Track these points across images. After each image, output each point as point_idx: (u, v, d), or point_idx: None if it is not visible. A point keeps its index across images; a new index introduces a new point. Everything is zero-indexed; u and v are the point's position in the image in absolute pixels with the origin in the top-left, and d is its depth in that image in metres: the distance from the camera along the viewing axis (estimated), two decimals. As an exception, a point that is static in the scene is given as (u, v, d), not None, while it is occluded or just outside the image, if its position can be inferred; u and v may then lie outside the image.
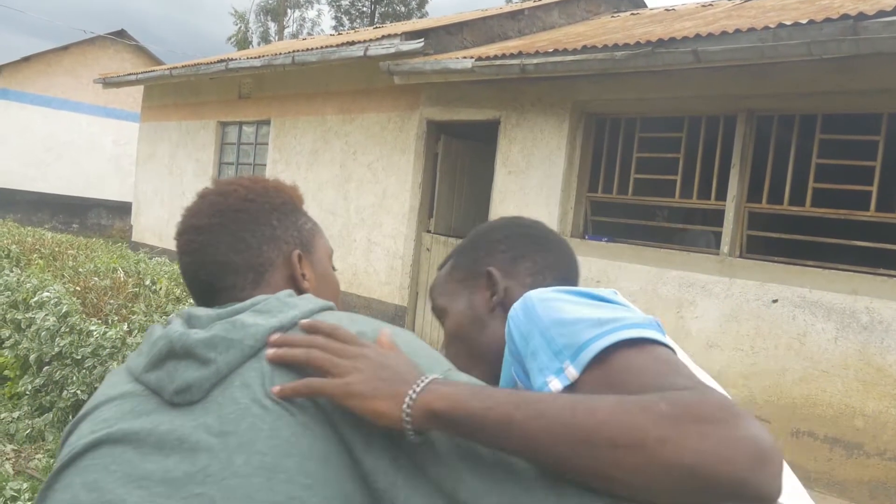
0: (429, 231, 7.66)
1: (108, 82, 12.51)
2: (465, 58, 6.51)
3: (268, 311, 0.89)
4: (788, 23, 4.56)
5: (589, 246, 6.16)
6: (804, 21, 4.48)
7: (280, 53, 8.80)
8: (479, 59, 6.33)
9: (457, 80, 6.76)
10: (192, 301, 4.57)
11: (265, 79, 9.64)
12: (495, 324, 1.13)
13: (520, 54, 6.07)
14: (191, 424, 0.80)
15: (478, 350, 1.14)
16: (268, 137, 9.73)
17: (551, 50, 5.86)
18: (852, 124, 5.09)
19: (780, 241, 5.34)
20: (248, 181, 1.08)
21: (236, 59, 9.43)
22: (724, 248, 5.39)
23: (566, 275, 1.21)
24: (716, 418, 0.69)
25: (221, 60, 9.68)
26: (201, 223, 1.02)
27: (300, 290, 1.02)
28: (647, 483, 0.69)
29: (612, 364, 0.82)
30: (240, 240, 1.01)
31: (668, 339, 0.89)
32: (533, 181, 6.57)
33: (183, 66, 10.69)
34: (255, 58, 9.06)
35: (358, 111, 8.38)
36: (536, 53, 5.93)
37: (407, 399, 0.76)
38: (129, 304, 4.20)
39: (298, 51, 8.55)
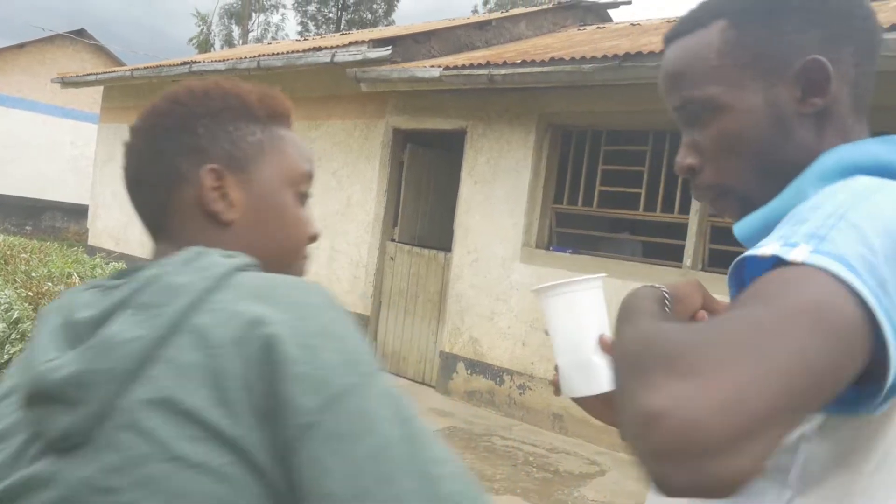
0: (393, 240, 7.61)
1: (67, 82, 12.24)
2: (432, 66, 6.49)
3: (147, 308, 0.69)
4: (753, 41, 4.63)
5: (553, 258, 6.18)
6: (768, 39, 4.55)
7: (245, 57, 8.70)
8: (447, 68, 6.32)
9: (424, 88, 6.74)
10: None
11: (229, 82, 9.51)
12: (805, 133, 0.80)
13: (488, 64, 6.07)
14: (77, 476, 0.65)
15: (771, 166, 0.81)
16: (231, 142, 9.59)
17: (519, 61, 5.88)
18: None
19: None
20: (202, 82, 0.92)
21: (200, 62, 9.30)
22: (687, 261, 5.44)
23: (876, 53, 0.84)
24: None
25: (185, 63, 9.54)
26: (134, 126, 0.89)
27: (220, 222, 0.84)
28: None
29: (774, 278, 0.61)
30: (153, 149, 0.86)
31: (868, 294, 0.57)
32: (499, 191, 6.57)
33: (145, 68, 10.51)
34: (220, 61, 8.94)
35: (323, 118, 8.31)
36: (504, 64, 5.94)
37: None
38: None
39: (264, 55, 8.46)
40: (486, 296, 6.59)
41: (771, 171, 0.81)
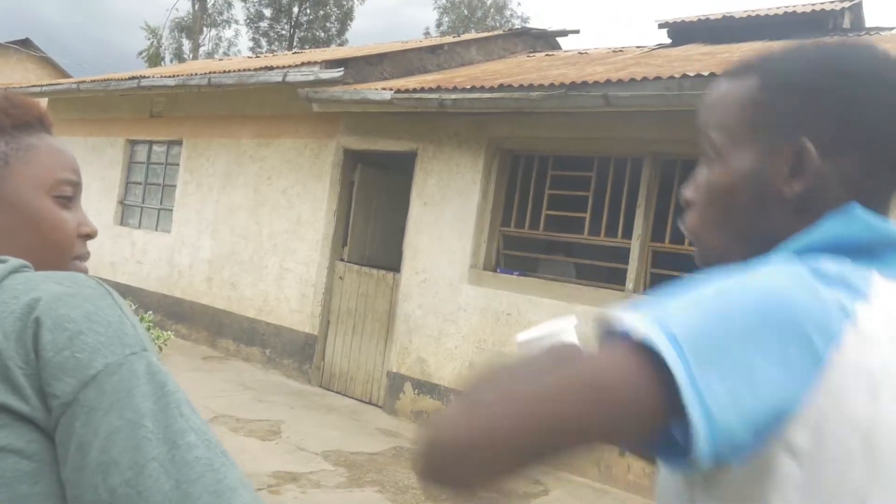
0: (342, 259, 7.63)
1: (10, 93, 11.95)
2: (384, 89, 6.57)
3: None
4: (692, 74, 4.83)
5: (500, 280, 6.28)
6: (705, 73, 4.75)
7: (196, 74, 8.65)
8: (399, 91, 6.40)
9: (375, 110, 6.81)
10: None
11: (179, 98, 9.44)
12: (781, 212, 0.80)
13: (438, 89, 6.18)
14: None
15: (739, 230, 0.83)
16: (179, 158, 9.50)
17: (469, 86, 6.00)
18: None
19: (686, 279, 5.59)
20: None
21: (149, 77, 9.21)
22: (629, 284, 5.59)
23: None
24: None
25: (133, 77, 9.43)
26: None
27: None
28: None
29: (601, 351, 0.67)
30: None
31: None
32: (448, 214, 6.66)
33: (92, 81, 10.35)
34: (170, 77, 8.87)
35: (274, 136, 8.31)
36: (455, 89, 6.05)
37: None
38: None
39: (215, 72, 8.43)
40: (434, 316, 6.66)
41: (740, 237, 0.83)
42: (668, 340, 0.62)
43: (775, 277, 0.69)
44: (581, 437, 0.65)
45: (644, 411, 0.63)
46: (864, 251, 0.75)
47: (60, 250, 0.95)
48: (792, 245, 0.77)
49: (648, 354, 0.63)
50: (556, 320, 1.04)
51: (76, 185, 0.98)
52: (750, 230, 0.81)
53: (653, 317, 0.65)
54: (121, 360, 0.76)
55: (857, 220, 0.75)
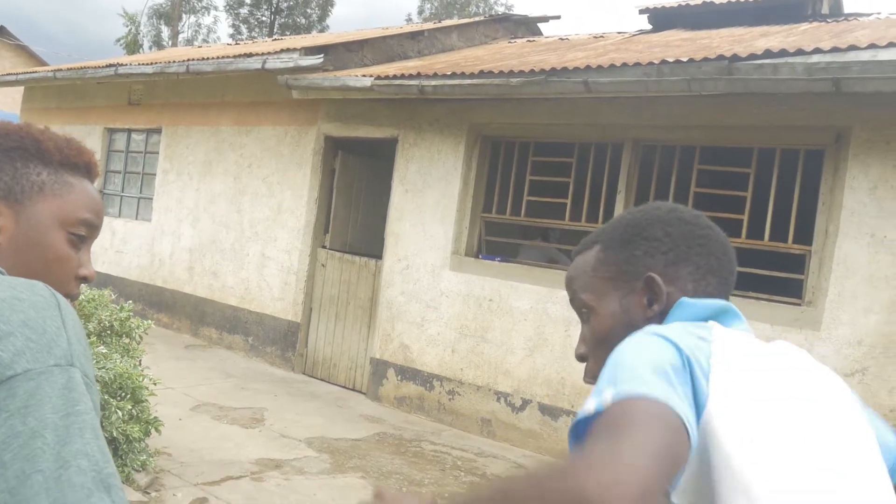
0: (324, 247, 7.62)
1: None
2: (364, 76, 6.54)
3: None
4: (671, 60, 4.86)
5: (482, 265, 6.30)
6: (685, 59, 4.78)
7: (174, 61, 8.57)
8: (379, 77, 6.38)
9: (356, 97, 6.79)
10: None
11: (157, 86, 9.35)
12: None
13: (419, 75, 6.16)
14: None
15: None
16: (158, 146, 9.42)
17: (450, 73, 5.99)
18: (727, 157, 5.45)
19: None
20: (14, 124, 1.04)
21: (127, 65, 9.11)
22: (610, 269, 5.63)
23: (727, 278, 1.11)
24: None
25: (111, 65, 9.32)
26: None
27: None
28: None
29: (606, 416, 0.81)
30: None
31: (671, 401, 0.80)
32: (429, 200, 6.66)
33: (68, 69, 10.22)
34: (147, 64, 8.78)
35: (254, 123, 8.26)
36: (435, 75, 6.04)
37: None
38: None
39: (193, 59, 8.36)
40: (416, 303, 6.67)
41: None
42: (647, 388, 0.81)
43: (660, 336, 0.92)
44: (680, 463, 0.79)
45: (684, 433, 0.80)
46: (702, 319, 1.02)
47: (57, 282, 0.97)
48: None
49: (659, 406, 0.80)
50: None
51: (93, 228, 1.06)
52: None
53: (620, 389, 0.82)
54: (42, 369, 0.78)
55: (689, 306, 1.04)
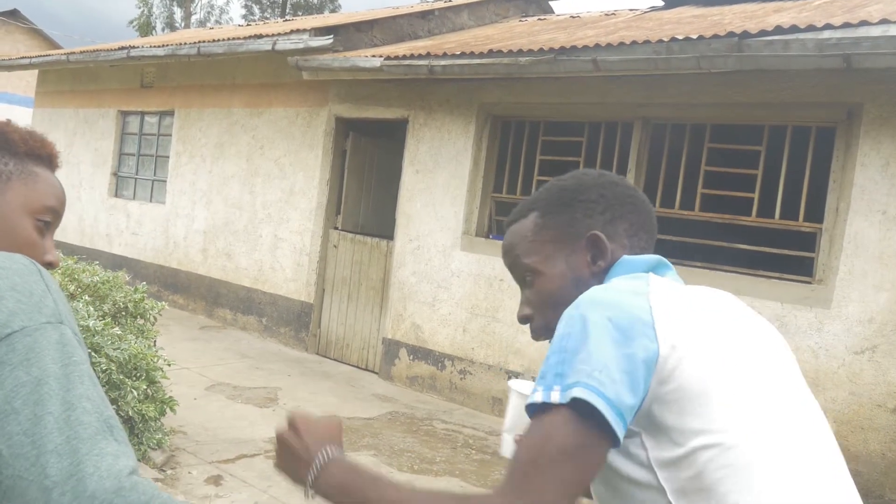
0: (336, 228, 7.66)
1: (0, 65, 11.88)
2: (374, 56, 6.54)
3: None
4: (680, 37, 4.82)
5: (493, 245, 6.32)
6: (694, 36, 4.74)
7: (185, 43, 8.59)
8: (388, 58, 6.38)
9: (366, 78, 6.79)
10: (87, 298, 4.39)
11: (169, 68, 9.39)
12: (595, 284, 1.12)
13: (428, 55, 6.15)
14: None
15: None
16: (171, 128, 9.48)
17: (459, 52, 5.97)
18: (738, 134, 5.42)
19: (671, 242, 5.64)
20: None
21: (139, 47, 9.14)
22: (620, 249, 5.62)
23: (652, 232, 1.22)
24: None
25: (123, 48, 9.36)
26: None
27: None
28: None
29: (544, 421, 0.94)
30: None
31: (608, 406, 0.91)
32: (440, 180, 6.67)
33: (81, 52, 10.27)
34: (159, 46, 8.81)
35: (265, 105, 8.29)
36: (444, 55, 6.03)
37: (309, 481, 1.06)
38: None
39: (205, 41, 8.37)
40: (427, 283, 6.71)
41: None
42: (587, 390, 0.91)
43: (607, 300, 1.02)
44: (591, 472, 0.95)
45: (602, 436, 0.92)
46: (640, 271, 1.13)
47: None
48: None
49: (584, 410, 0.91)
50: None
51: (57, 216, 1.13)
52: None
53: (566, 383, 0.92)
54: (36, 326, 0.87)
55: (629, 263, 1.14)
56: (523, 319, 1.22)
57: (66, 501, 0.78)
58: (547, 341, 1.08)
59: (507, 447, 1.47)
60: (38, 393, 0.82)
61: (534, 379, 1.16)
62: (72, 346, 0.88)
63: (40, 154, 1.13)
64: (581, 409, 0.90)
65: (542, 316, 1.19)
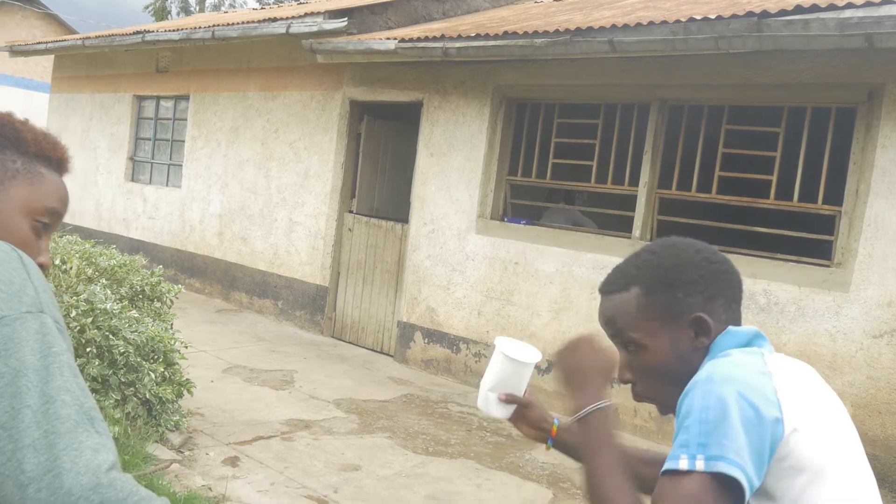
0: (351, 211, 7.66)
1: (16, 50, 11.93)
2: (388, 39, 6.51)
3: None
4: (698, 17, 4.75)
5: (508, 229, 6.30)
6: (713, 16, 4.68)
7: (200, 27, 8.59)
8: (403, 40, 6.34)
9: (380, 60, 6.76)
10: (104, 281, 4.42)
11: (184, 53, 9.40)
12: (697, 358, 1.24)
13: (442, 37, 6.11)
14: None
15: (679, 381, 1.22)
16: (186, 113, 9.50)
17: (473, 34, 5.93)
18: (756, 116, 5.35)
19: (688, 225, 5.59)
20: (3, 114, 1.11)
21: (153, 32, 9.15)
22: (636, 231, 5.60)
23: (740, 301, 1.31)
24: None
25: (138, 32, 9.37)
26: None
27: None
28: None
29: (691, 480, 1.03)
30: None
31: (739, 473, 1.02)
32: (454, 163, 6.65)
33: (97, 37, 10.29)
34: (174, 31, 8.81)
35: (280, 88, 8.28)
36: (459, 37, 5.99)
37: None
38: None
39: (219, 25, 8.36)
40: (442, 266, 6.71)
41: (677, 386, 1.20)
42: (730, 465, 1.01)
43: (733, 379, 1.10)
44: None
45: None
46: (744, 344, 1.22)
47: None
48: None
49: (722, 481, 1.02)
50: (527, 348, 1.57)
51: (58, 218, 1.13)
52: (682, 379, 1.19)
53: (709, 454, 1.02)
54: (16, 316, 0.85)
55: (734, 334, 1.23)
56: (624, 382, 1.32)
57: (42, 497, 0.77)
58: (563, 329, 1.16)
59: (489, 404, 1.56)
60: (15, 385, 0.81)
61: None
62: (52, 335, 0.87)
63: (50, 157, 1.13)
64: (721, 481, 1.00)
65: (643, 384, 1.30)
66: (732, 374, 1.09)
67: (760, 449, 1.03)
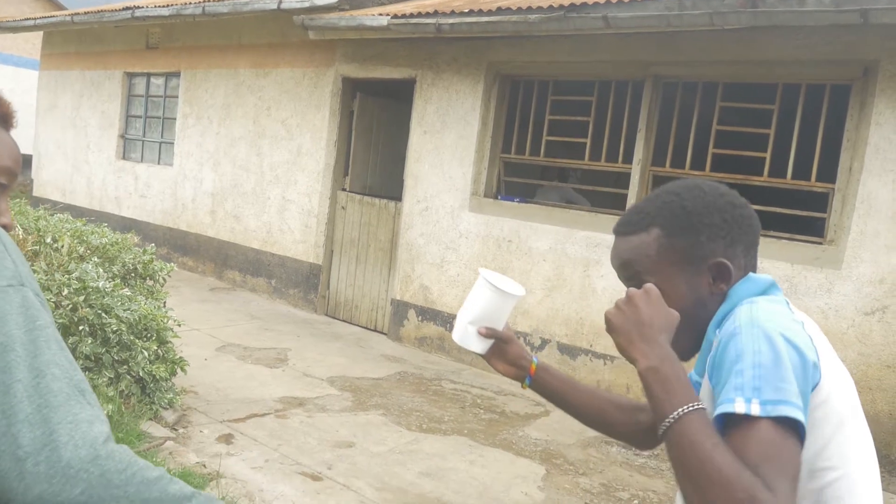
0: (344, 189, 7.63)
1: (4, 26, 11.77)
2: (381, 15, 6.44)
3: None
4: (693, -8, 4.72)
5: (501, 206, 6.29)
6: (707, -9, 4.64)
7: (190, 3, 8.48)
8: (395, 16, 6.28)
9: (373, 37, 6.70)
10: (95, 259, 4.40)
11: (175, 29, 9.29)
12: (714, 304, 1.21)
13: (435, 13, 6.06)
14: None
15: (694, 326, 1.21)
16: (178, 90, 9.41)
17: (467, 10, 5.88)
18: (750, 93, 5.34)
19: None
20: None
21: (143, 8, 9.03)
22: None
23: (757, 247, 1.28)
24: None
25: (127, 8, 9.25)
26: None
27: None
28: None
29: (759, 428, 0.98)
30: None
31: (799, 410, 1.00)
32: (448, 141, 6.62)
33: (86, 13, 10.15)
34: (164, 6, 8.70)
35: (272, 65, 8.21)
36: (452, 13, 5.93)
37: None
38: (29, 263, 4.07)
39: (209, 1, 8.26)
40: (436, 244, 6.70)
41: (697, 331, 1.22)
42: (786, 406, 0.99)
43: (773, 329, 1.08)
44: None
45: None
46: (762, 291, 1.21)
47: None
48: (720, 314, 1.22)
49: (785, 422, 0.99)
50: (511, 281, 1.48)
51: (12, 176, 1.10)
52: (699, 325, 1.21)
53: (766, 399, 0.99)
54: None
55: (754, 281, 1.21)
56: None
57: (40, 471, 0.76)
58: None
59: (468, 338, 1.48)
60: (4, 360, 0.79)
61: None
62: (35, 308, 0.85)
63: None
64: (786, 424, 0.98)
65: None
66: (775, 319, 1.07)
67: (805, 391, 1.02)
